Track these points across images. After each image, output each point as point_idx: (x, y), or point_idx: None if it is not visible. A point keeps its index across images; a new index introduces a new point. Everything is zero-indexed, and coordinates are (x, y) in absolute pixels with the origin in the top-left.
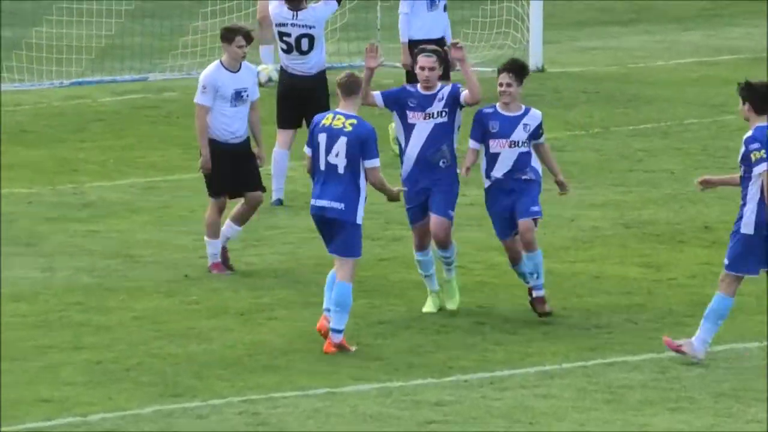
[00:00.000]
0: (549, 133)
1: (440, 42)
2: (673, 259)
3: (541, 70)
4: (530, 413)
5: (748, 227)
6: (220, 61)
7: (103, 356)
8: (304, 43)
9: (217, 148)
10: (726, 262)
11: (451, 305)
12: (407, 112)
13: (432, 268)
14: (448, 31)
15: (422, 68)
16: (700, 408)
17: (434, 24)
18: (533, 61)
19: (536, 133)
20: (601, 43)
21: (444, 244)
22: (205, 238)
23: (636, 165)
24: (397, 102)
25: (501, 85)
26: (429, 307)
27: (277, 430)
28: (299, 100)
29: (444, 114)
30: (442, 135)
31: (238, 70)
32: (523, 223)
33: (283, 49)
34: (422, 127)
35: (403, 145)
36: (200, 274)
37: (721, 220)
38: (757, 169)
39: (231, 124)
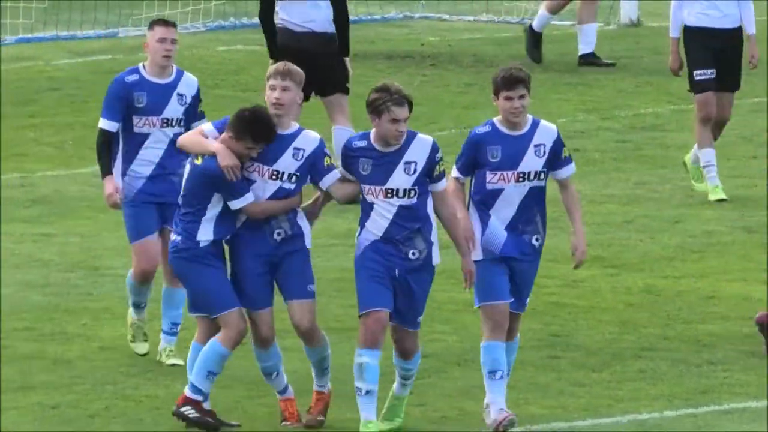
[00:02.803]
0: (647, 107)
1: (735, 34)
2: None
3: (636, 24)
4: None
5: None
6: None
7: (61, 399)
8: None
9: None
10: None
11: (392, 425)
12: (362, 186)
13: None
14: (749, 16)
15: (396, 120)
16: None
17: (724, 5)
18: (626, 11)
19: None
20: None
21: (409, 352)
22: None
23: (761, 149)
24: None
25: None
26: None
27: None
28: (307, 63)
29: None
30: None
31: None
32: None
33: None
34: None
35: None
36: None
37: None
38: (569, 171)
39: None
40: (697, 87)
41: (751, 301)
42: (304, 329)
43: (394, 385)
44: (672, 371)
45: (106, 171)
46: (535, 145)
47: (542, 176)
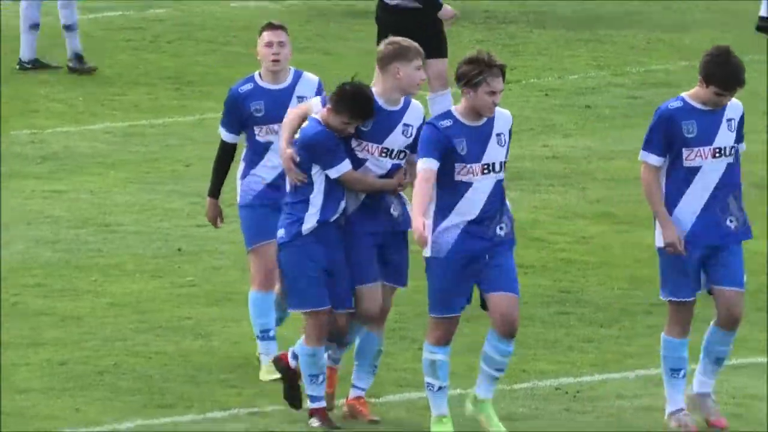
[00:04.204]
0: (659, 63)
1: None
2: None
3: None
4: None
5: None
6: None
7: (70, 355)
8: None
9: None
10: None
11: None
12: (455, 165)
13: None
14: None
15: (493, 92)
16: None
17: None
18: None
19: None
20: None
21: (515, 328)
22: None
23: (762, 104)
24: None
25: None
26: None
27: None
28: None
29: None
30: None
31: None
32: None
33: None
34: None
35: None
36: (197, 247)
37: None
38: (743, 148)
39: None
40: None
41: (760, 255)
42: (385, 312)
43: (477, 389)
44: None
45: (213, 191)
46: (728, 120)
47: (734, 152)
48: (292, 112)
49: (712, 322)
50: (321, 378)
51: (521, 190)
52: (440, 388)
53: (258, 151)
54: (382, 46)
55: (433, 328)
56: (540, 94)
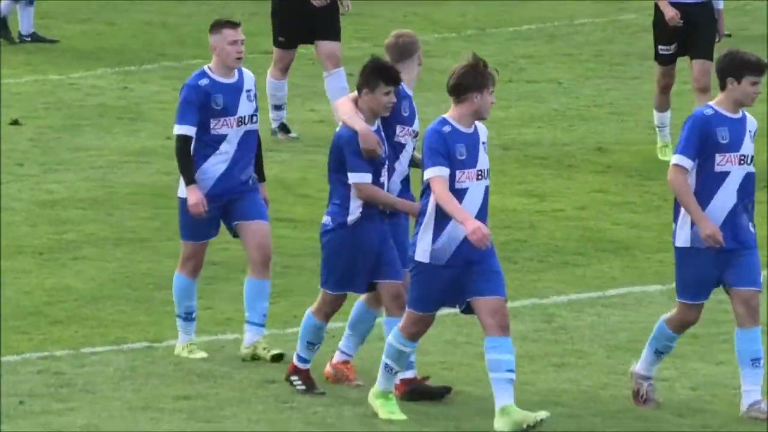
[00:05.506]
0: (418, 34)
1: (704, 8)
2: (560, 186)
3: None
4: (373, 374)
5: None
6: None
7: None
8: None
9: None
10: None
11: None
12: (456, 172)
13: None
14: None
15: (492, 92)
16: (590, 364)
17: None
18: None
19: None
20: None
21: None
22: None
23: (517, 74)
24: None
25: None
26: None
27: (86, 392)
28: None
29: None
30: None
31: None
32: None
33: None
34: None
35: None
36: None
37: (617, 140)
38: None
39: None
40: (660, 60)
41: (505, 211)
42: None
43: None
44: None
45: (191, 179)
46: (749, 130)
47: (752, 161)
48: (344, 102)
49: (737, 327)
50: (316, 347)
51: (291, 151)
52: (396, 372)
53: (210, 144)
54: (396, 40)
55: (409, 322)
56: (308, 62)
